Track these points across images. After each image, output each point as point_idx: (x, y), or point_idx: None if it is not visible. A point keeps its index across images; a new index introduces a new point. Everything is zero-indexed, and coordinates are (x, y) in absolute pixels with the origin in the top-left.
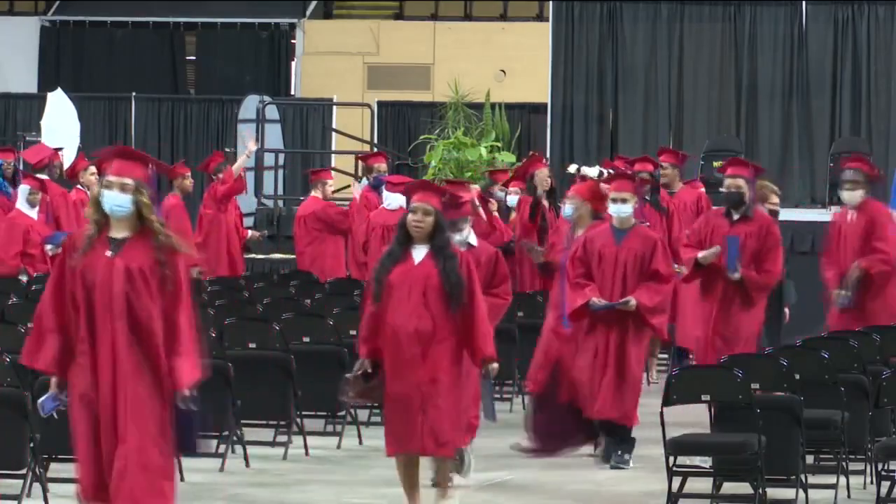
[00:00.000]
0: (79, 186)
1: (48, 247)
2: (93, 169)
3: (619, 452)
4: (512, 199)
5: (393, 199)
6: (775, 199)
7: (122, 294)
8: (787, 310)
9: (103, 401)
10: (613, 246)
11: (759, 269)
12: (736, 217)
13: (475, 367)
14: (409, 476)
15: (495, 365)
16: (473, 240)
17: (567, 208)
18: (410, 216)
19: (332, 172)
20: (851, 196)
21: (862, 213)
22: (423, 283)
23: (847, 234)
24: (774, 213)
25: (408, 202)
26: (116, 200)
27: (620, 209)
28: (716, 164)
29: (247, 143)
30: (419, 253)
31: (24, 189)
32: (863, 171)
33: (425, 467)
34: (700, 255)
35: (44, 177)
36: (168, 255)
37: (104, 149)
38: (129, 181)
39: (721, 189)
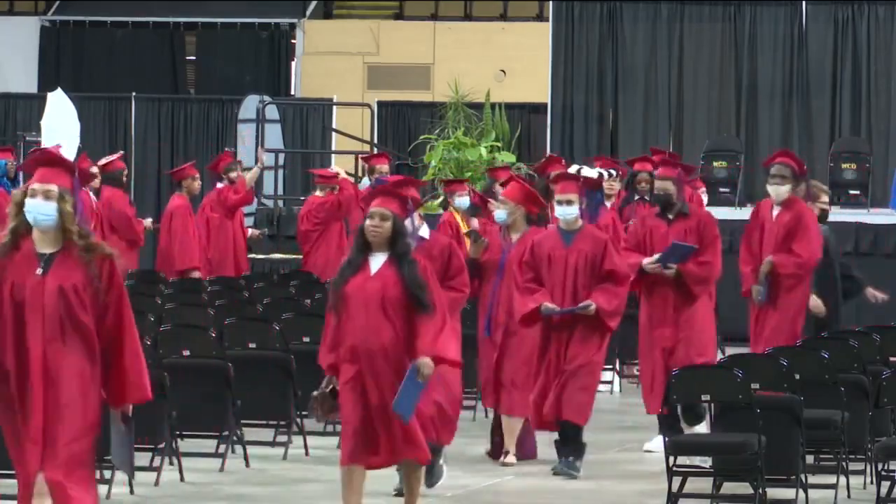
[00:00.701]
0: (82, 188)
1: None
2: (94, 169)
3: (571, 459)
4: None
5: None
6: (825, 199)
7: (56, 315)
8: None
9: (34, 423)
10: (563, 249)
11: (697, 262)
12: (671, 216)
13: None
14: (352, 486)
15: (429, 366)
16: (426, 232)
17: (499, 212)
18: (368, 222)
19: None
20: (777, 191)
21: (787, 211)
22: (380, 293)
23: (768, 230)
24: (825, 213)
25: (367, 208)
26: (41, 209)
27: (566, 211)
28: (716, 163)
29: (257, 155)
30: (377, 261)
31: None
32: (790, 167)
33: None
34: (645, 263)
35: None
36: (99, 264)
37: (31, 155)
38: (53, 188)
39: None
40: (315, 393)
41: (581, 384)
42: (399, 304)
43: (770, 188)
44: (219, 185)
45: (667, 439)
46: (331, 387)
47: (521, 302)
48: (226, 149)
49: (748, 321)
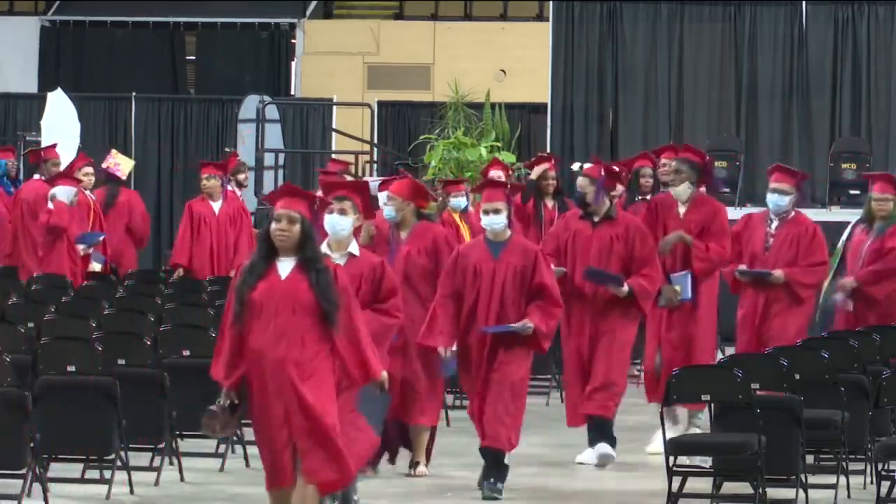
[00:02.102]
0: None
1: (80, 246)
2: (87, 169)
3: (493, 480)
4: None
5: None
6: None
7: None
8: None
9: None
10: (491, 261)
11: (642, 275)
12: (597, 220)
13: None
14: None
15: (384, 375)
16: (355, 249)
17: (387, 209)
18: (274, 225)
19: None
20: (677, 191)
21: (696, 210)
22: (290, 300)
23: (675, 229)
24: None
25: (273, 210)
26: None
27: (493, 221)
28: (717, 164)
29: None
30: (285, 266)
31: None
32: (687, 161)
33: None
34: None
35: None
36: None
37: None
38: None
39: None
40: (212, 407)
41: (505, 409)
42: (312, 311)
43: (671, 188)
44: (227, 188)
45: (667, 439)
46: (228, 401)
47: (427, 328)
48: (233, 151)
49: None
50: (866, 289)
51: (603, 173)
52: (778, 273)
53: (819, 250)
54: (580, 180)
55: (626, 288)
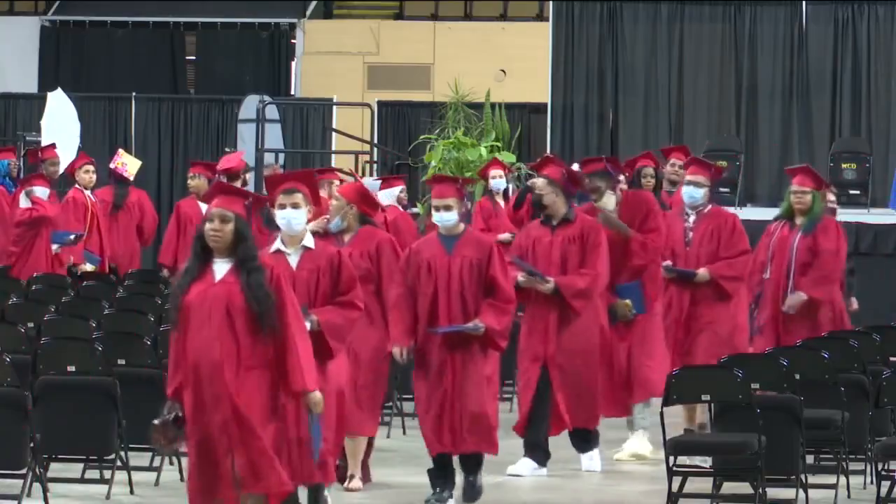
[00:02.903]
0: (76, 186)
1: (54, 246)
2: (88, 167)
3: (471, 477)
4: (499, 183)
5: (383, 197)
6: (832, 198)
7: None
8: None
9: None
10: (444, 256)
11: (578, 274)
12: (555, 224)
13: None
14: None
15: (317, 396)
16: (310, 241)
17: (336, 221)
18: (207, 224)
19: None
20: (602, 204)
21: (627, 208)
22: (224, 302)
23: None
24: (833, 212)
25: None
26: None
27: (443, 217)
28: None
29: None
30: (221, 268)
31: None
32: (597, 174)
33: None
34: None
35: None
36: None
37: None
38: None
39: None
40: (156, 421)
41: (480, 412)
42: (245, 314)
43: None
44: None
45: (667, 439)
46: (174, 414)
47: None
48: (225, 149)
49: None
50: (816, 295)
51: (565, 176)
52: (702, 272)
53: (740, 241)
54: (539, 182)
55: (551, 284)
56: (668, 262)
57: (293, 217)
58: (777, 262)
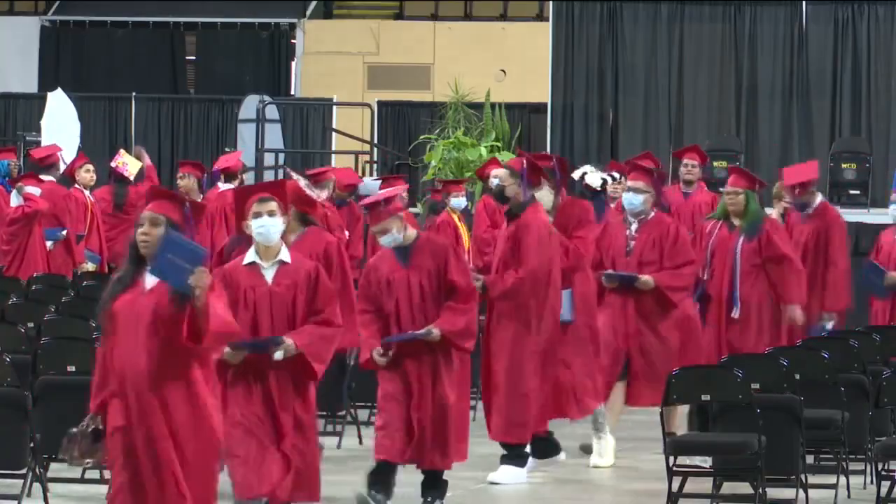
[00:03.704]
0: (76, 186)
1: (48, 242)
2: (88, 167)
3: (430, 499)
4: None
5: None
6: (789, 199)
7: None
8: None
9: None
10: (401, 269)
11: (499, 275)
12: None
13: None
14: None
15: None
16: (286, 255)
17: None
18: (138, 229)
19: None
20: (538, 195)
21: (563, 214)
22: (152, 311)
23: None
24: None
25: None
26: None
27: (386, 241)
28: (717, 163)
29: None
30: (152, 277)
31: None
32: (513, 170)
33: None
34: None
35: (48, 177)
36: None
37: None
38: None
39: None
40: (73, 430)
41: (447, 423)
42: (177, 325)
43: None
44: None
45: (667, 439)
46: (93, 426)
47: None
48: (225, 148)
49: None
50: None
51: (525, 167)
52: (646, 278)
53: (684, 251)
54: (500, 172)
55: (479, 283)
56: (610, 271)
57: (271, 225)
58: (719, 266)
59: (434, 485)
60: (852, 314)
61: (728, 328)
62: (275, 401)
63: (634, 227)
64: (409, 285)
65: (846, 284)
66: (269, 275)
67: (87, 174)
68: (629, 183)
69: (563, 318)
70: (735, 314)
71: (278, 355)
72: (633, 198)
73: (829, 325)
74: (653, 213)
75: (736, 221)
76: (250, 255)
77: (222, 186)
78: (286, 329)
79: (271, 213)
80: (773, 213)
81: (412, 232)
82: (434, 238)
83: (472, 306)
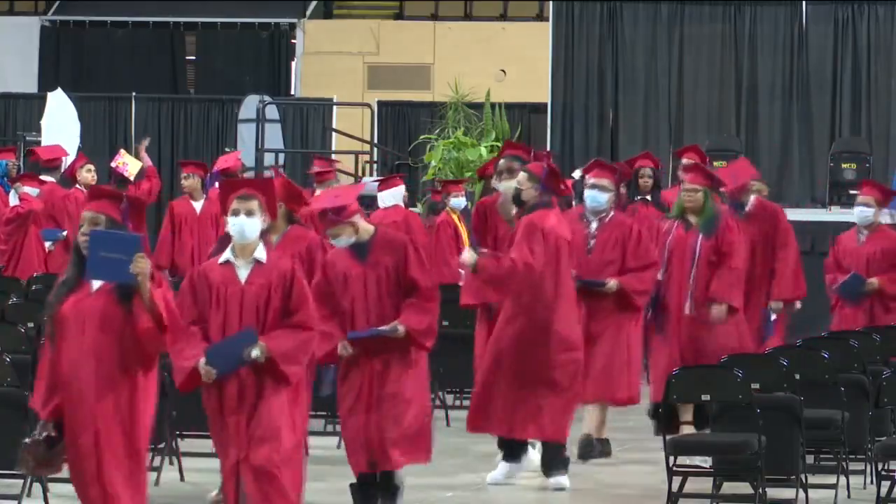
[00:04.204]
0: (77, 186)
1: (47, 243)
2: (89, 167)
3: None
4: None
5: (388, 197)
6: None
7: None
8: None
9: None
10: (359, 265)
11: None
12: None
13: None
14: None
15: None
16: (262, 254)
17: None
18: (80, 230)
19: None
20: (506, 186)
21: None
22: (99, 315)
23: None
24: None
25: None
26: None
27: (340, 242)
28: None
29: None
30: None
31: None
32: (520, 158)
33: None
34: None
35: (50, 178)
36: None
37: None
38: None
39: None
40: (27, 440)
41: (407, 424)
42: (124, 327)
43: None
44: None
45: (667, 439)
46: (45, 434)
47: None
48: (225, 149)
49: None
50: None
51: (546, 171)
52: (612, 283)
53: (647, 252)
54: (520, 176)
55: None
56: (573, 272)
57: (246, 224)
58: (677, 265)
59: (387, 486)
60: (816, 316)
61: (689, 328)
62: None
63: (595, 225)
64: (366, 282)
65: (795, 274)
66: (242, 274)
67: (88, 174)
68: (592, 180)
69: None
70: (687, 311)
71: (255, 353)
72: (598, 195)
73: (773, 317)
74: (612, 213)
75: (692, 220)
76: (226, 254)
77: None
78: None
79: (249, 213)
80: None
81: (369, 227)
82: (392, 233)
83: (434, 305)
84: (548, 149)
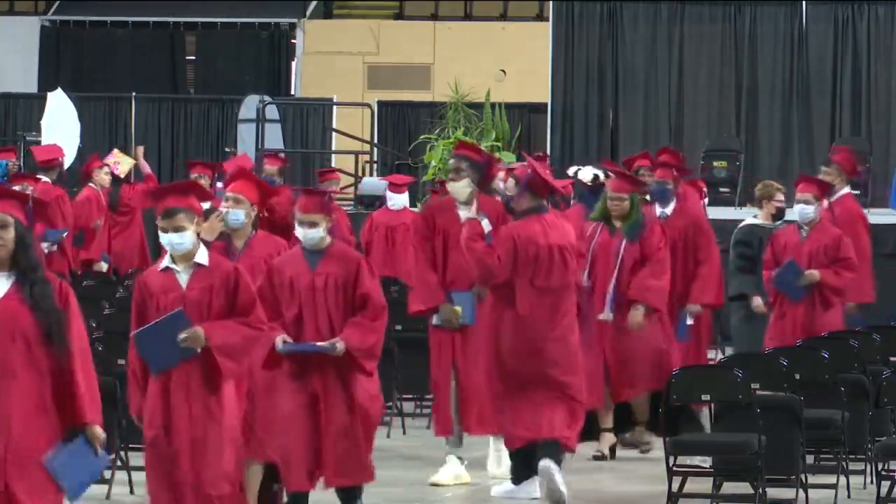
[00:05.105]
0: (91, 185)
1: (43, 245)
2: (107, 169)
3: None
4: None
5: (397, 200)
6: (780, 197)
7: None
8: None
9: None
10: (308, 273)
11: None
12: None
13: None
14: None
15: (98, 431)
16: (203, 257)
17: (235, 212)
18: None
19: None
20: (455, 186)
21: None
22: (8, 324)
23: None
24: (781, 212)
25: None
26: None
27: (308, 234)
28: (716, 163)
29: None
30: (2, 284)
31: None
32: (468, 158)
33: None
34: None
35: (46, 178)
36: None
37: None
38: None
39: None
40: None
41: (358, 440)
42: (35, 336)
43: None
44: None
45: (667, 439)
46: None
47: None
48: (225, 149)
49: None
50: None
51: (528, 176)
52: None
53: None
54: (509, 183)
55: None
56: (584, 277)
57: (176, 242)
58: (602, 270)
59: (348, 499)
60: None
61: (612, 331)
62: (176, 411)
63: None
64: (315, 290)
65: (719, 280)
66: (183, 279)
67: (106, 176)
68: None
69: (464, 319)
70: (605, 316)
71: (181, 337)
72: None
73: (690, 321)
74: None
75: (617, 224)
76: (165, 260)
77: None
78: None
79: (178, 229)
80: (761, 214)
81: (327, 238)
82: (346, 248)
83: (381, 324)
84: (548, 149)
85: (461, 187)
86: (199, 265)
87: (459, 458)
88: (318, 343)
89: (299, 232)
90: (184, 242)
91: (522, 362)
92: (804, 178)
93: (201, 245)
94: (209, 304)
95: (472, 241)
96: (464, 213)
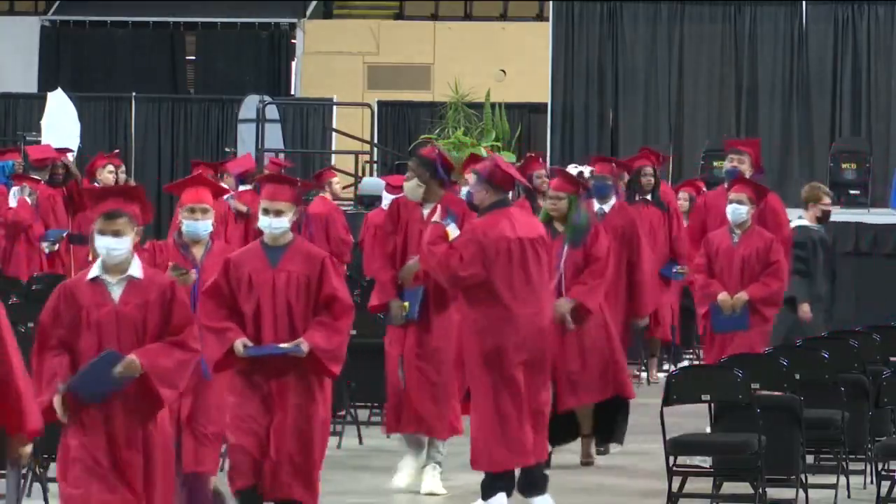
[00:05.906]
0: (96, 184)
1: (44, 244)
2: (111, 167)
3: None
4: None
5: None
6: (827, 200)
7: None
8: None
9: None
10: (268, 270)
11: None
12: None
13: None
14: None
15: (27, 449)
16: (137, 270)
17: (203, 224)
18: None
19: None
20: (406, 187)
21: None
22: None
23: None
24: (826, 214)
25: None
26: None
27: (273, 224)
28: (716, 163)
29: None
30: None
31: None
32: (418, 157)
33: None
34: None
35: (38, 177)
36: None
37: None
38: None
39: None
40: None
41: (304, 454)
42: None
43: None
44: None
45: (667, 439)
46: None
47: (210, 345)
48: (225, 149)
49: None
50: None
51: (489, 169)
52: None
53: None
54: (471, 179)
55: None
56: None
57: (112, 247)
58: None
59: None
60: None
61: (558, 340)
62: (118, 438)
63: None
64: (275, 287)
65: (652, 289)
66: (115, 292)
67: (110, 175)
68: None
69: (410, 314)
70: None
71: (116, 371)
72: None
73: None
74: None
75: (559, 227)
76: (95, 269)
77: (241, 188)
78: None
79: (117, 234)
80: (806, 216)
81: (290, 234)
82: (309, 245)
83: (346, 324)
84: (548, 149)
85: (411, 187)
86: (132, 278)
87: (438, 463)
88: (282, 345)
89: (263, 221)
90: (121, 249)
91: (523, 357)
92: (738, 179)
93: (135, 256)
94: (143, 322)
95: (432, 244)
96: (427, 212)
